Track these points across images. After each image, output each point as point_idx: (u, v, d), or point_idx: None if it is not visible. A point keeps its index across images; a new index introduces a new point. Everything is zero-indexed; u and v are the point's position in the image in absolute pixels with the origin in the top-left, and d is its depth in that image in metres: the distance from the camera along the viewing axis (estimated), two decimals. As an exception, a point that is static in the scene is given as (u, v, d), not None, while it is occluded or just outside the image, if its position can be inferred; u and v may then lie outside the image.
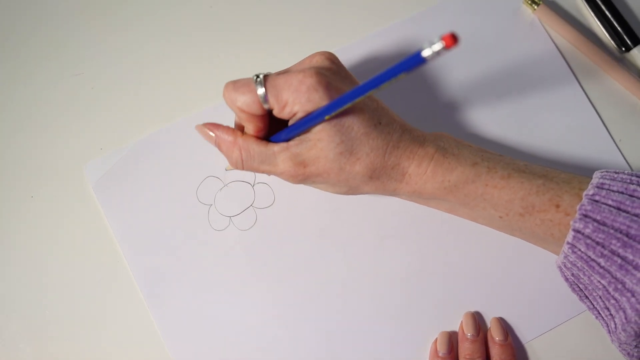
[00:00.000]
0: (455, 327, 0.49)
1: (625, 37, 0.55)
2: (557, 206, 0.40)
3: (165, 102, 0.53)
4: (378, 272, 0.50)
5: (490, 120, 0.53)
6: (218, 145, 0.43)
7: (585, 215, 0.39)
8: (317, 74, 0.39)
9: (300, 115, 0.39)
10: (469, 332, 0.48)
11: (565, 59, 0.54)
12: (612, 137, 0.53)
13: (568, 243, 0.40)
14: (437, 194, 0.43)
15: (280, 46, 0.54)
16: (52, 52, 0.54)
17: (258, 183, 0.51)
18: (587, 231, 0.39)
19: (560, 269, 0.43)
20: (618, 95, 0.54)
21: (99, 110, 0.53)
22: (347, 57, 0.53)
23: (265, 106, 0.39)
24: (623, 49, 0.55)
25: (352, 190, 0.43)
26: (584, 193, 0.40)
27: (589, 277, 0.40)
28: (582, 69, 0.54)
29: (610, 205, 0.39)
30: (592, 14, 0.56)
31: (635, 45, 0.55)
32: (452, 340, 0.48)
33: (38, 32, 0.55)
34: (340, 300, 0.49)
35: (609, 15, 0.55)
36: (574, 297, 0.49)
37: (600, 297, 0.41)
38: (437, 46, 0.28)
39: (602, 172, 0.42)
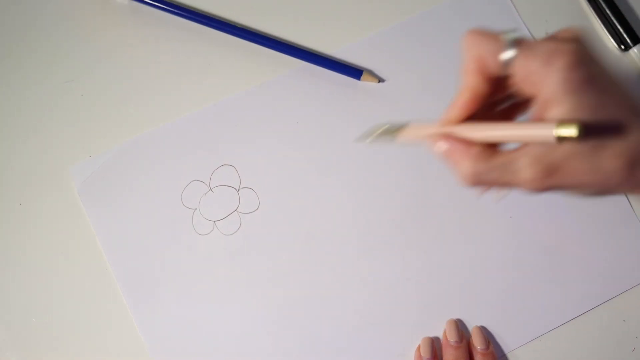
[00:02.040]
0: (439, 334, 0.49)
1: (625, 35, 0.53)
2: None
3: (154, 107, 0.53)
4: (361, 279, 0.50)
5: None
6: (448, 155, 0.37)
7: None
8: (580, 51, 0.32)
9: (546, 93, 0.33)
10: (452, 339, 0.48)
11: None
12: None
13: None
14: None
15: (273, 54, 0.53)
16: (44, 60, 0.54)
17: (243, 188, 0.51)
18: None
19: None
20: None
21: (89, 117, 0.53)
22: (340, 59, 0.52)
23: (507, 64, 0.33)
24: (622, 47, 0.54)
25: (605, 191, 0.36)
26: None
27: None
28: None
29: None
30: (593, 12, 0.54)
31: (634, 44, 0.53)
32: (434, 345, 0.49)
33: (30, 40, 0.54)
34: (324, 306, 0.49)
35: (609, 14, 0.54)
36: (557, 307, 0.49)
37: None
38: None
39: None
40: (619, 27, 0.53)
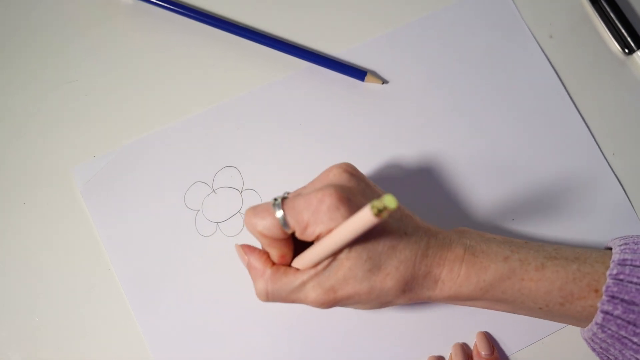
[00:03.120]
0: (442, 345, 0.49)
1: (629, 39, 0.53)
2: (596, 291, 0.39)
3: (158, 108, 0.53)
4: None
5: (475, 130, 0.52)
6: (248, 269, 0.42)
7: (613, 297, 0.39)
8: (337, 191, 0.37)
9: (324, 235, 0.37)
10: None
11: (556, 70, 0.54)
12: (601, 151, 0.52)
13: (597, 323, 0.40)
14: (474, 295, 0.41)
15: (277, 55, 0.54)
16: (47, 60, 0.54)
17: (246, 189, 0.51)
18: (617, 312, 0.38)
19: (587, 342, 0.43)
20: (612, 107, 0.53)
21: (93, 118, 0.53)
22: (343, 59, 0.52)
23: (286, 229, 0.38)
24: (626, 51, 0.54)
25: (384, 305, 0.41)
26: (608, 272, 0.39)
27: (620, 351, 0.40)
28: (574, 79, 0.54)
29: (635, 283, 0.38)
30: (597, 15, 0.54)
31: (638, 47, 0.53)
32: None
33: (33, 40, 0.54)
34: (327, 323, 0.49)
35: (613, 17, 0.54)
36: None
37: None
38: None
39: (621, 246, 0.41)
40: (622, 30, 0.54)
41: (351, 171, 0.41)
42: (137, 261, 0.50)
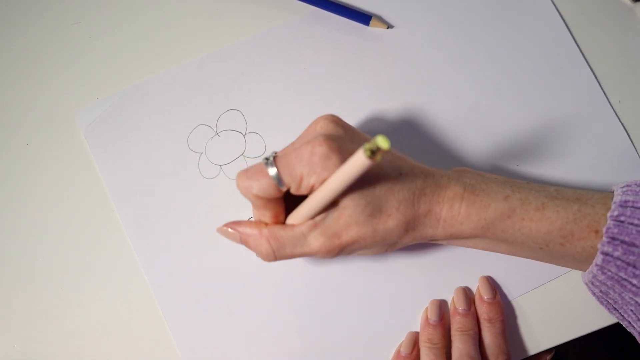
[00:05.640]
0: (444, 289, 0.49)
1: (637, -14, 0.53)
2: (597, 232, 0.39)
3: (162, 51, 0.53)
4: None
5: (480, 76, 0.52)
6: (244, 242, 0.41)
7: (613, 238, 0.39)
8: (326, 140, 0.37)
9: (318, 186, 0.37)
10: (460, 307, 0.48)
11: (562, 17, 0.53)
12: (607, 98, 0.51)
13: (597, 265, 0.40)
14: (475, 233, 0.41)
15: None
16: (52, 1, 0.54)
17: (249, 133, 0.51)
18: (617, 254, 0.38)
19: (587, 285, 0.43)
20: (619, 54, 0.53)
21: (96, 59, 0.53)
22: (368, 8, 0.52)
23: (281, 187, 0.38)
24: (635, -2, 0.53)
25: (390, 247, 0.42)
26: (609, 214, 0.39)
27: (619, 294, 0.40)
28: (581, 26, 0.53)
29: (636, 225, 0.38)
30: (605, -39, 0.54)
31: (647, -5, 0.53)
32: (442, 308, 0.48)
33: None
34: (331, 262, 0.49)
35: (622, -37, 0.53)
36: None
37: (632, 311, 0.41)
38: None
39: (623, 188, 0.41)
40: (631, -23, 0.53)
41: (337, 121, 0.40)
42: (140, 203, 0.50)
